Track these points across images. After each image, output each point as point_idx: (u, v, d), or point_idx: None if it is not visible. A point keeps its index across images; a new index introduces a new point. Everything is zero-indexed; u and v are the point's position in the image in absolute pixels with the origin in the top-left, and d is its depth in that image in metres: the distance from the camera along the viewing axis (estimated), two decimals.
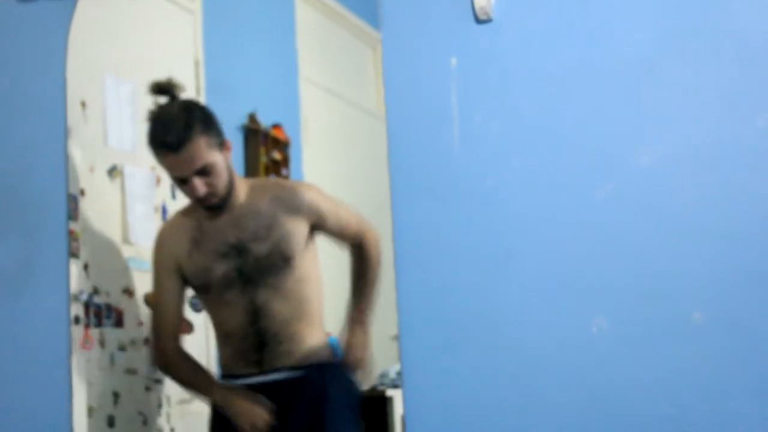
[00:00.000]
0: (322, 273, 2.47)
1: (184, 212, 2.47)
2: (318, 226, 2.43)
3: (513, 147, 1.86)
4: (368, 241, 2.47)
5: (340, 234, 2.48)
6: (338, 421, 2.38)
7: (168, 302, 2.45)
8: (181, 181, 2.33)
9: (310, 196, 2.44)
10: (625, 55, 1.81)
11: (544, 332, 1.80)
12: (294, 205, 2.41)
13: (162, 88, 2.37)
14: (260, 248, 2.36)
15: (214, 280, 2.38)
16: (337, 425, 2.37)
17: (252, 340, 2.37)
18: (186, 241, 2.41)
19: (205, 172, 2.30)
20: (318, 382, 2.37)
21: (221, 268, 2.37)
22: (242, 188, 2.42)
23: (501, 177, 1.86)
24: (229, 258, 2.37)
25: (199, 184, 2.30)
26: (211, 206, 2.37)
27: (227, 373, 2.44)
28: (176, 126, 2.27)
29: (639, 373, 1.74)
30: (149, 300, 2.58)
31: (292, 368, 2.37)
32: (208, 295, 2.42)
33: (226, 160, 2.36)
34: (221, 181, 2.34)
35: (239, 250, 2.37)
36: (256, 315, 2.36)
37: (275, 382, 2.36)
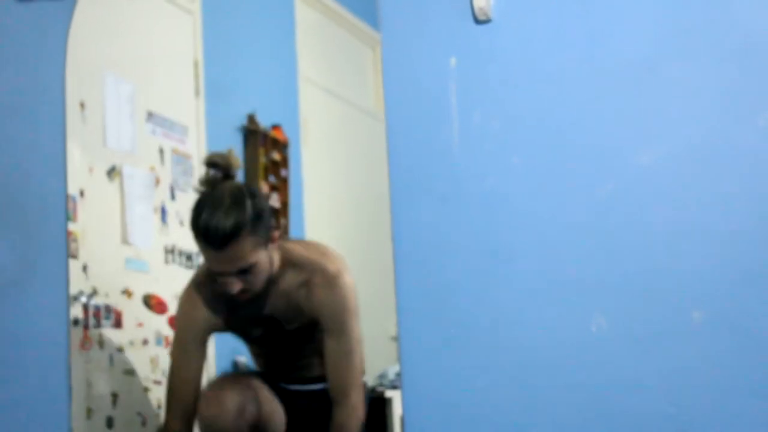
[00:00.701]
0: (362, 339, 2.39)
1: (207, 281, 2.36)
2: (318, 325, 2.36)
3: (513, 147, 1.86)
4: (342, 409, 2.32)
5: (326, 357, 2.35)
6: None
7: (187, 377, 2.38)
8: (218, 273, 2.26)
9: (318, 297, 2.34)
10: (624, 54, 1.81)
11: (543, 332, 1.80)
12: (313, 305, 2.34)
13: (216, 163, 2.27)
14: (292, 326, 2.39)
15: (253, 338, 2.46)
16: None
17: (273, 366, 2.47)
18: (222, 311, 2.37)
19: (244, 272, 2.23)
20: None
21: (257, 332, 2.43)
22: (277, 261, 2.33)
23: (501, 177, 1.86)
24: (265, 325, 2.40)
25: (235, 283, 2.23)
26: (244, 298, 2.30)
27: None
28: (223, 225, 2.16)
29: (639, 372, 1.73)
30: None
31: (320, 378, 2.41)
32: (249, 344, 2.52)
33: (270, 254, 2.27)
34: (259, 280, 2.26)
35: (272, 322, 2.39)
36: (275, 358, 2.46)
37: (312, 392, 2.40)
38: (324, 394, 2.38)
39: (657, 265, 1.74)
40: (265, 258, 2.26)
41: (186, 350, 2.38)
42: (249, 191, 2.27)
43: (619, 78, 1.81)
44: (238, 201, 2.21)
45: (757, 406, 1.66)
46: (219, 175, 2.27)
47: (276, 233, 2.29)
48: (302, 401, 2.45)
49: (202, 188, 2.27)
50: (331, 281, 2.33)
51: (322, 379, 2.41)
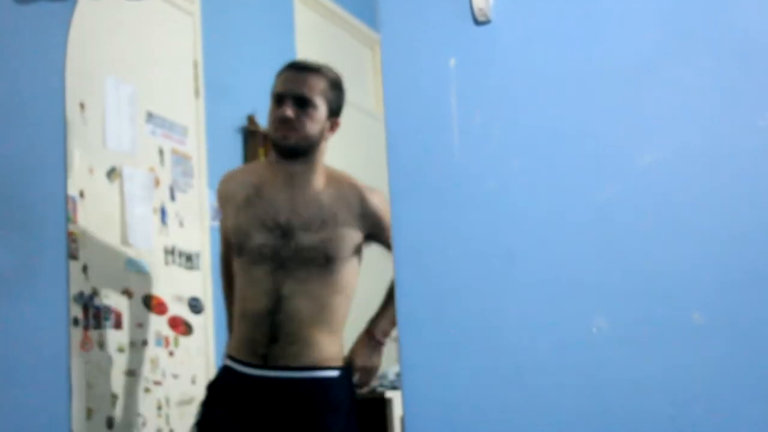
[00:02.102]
0: (357, 285, 2.41)
1: (253, 167, 2.52)
2: (374, 236, 2.34)
3: (513, 148, 1.86)
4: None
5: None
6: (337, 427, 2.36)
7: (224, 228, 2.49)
8: (279, 100, 2.37)
9: (375, 203, 2.35)
10: (625, 55, 1.81)
11: (543, 333, 1.80)
12: (358, 210, 2.35)
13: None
14: (306, 239, 2.32)
15: (248, 246, 2.36)
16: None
17: (265, 330, 2.32)
18: (242, 194, 2.41)
19: (303, 104, 2.35)
20: (322, 389, 2.35)
21: (259, 239, 2.34)
22: (321, 171, 2.39)
23: (501, 178, 1.86)
24: (272, 234, 2.34)
25: (290, 109, 2.34)
26: (284, 143, 2.38)
27: (231, 355, 2.41)
28: (311, 62, 2.43)
29: (639, 373, 1.73)
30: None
31: (297, 369, 2.35)
32: (241, 259, 2.39)
33: (324, 129, 2.37)
34: (310, 126, 2.35)
35: (285, 231, 2.33)
36: (276, 305, 2.32)
37: (278, 380, 2.34)
38: (295, 384, 2.33)
39: (657, 267, 1.75)
40: (322, 118, 2.37)
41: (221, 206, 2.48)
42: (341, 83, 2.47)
43: (619, 79, 1.81)
44: (330, 69, 2.43)
45: (756, 408, 1.66)
46: None
47: (337, 123, 2.39)
48: (277, 397, 2.36)
49: None
50: (371, 189, 2.36)
51: (317, 368, 2.34)
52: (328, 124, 2.38)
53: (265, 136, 3.12)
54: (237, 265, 2.43)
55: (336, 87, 2.41)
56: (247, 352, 2.36)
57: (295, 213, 2.35)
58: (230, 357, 2.43)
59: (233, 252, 2.43)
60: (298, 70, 2.42)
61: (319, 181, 2.39)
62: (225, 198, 2.48)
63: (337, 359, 2.38)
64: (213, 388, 2.42)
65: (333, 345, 2.38)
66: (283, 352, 2.33)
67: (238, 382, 2.37)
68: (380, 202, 2.34)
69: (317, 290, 2.34)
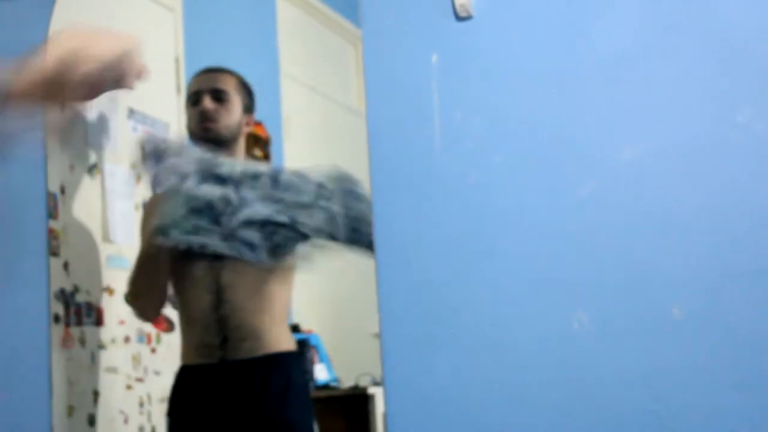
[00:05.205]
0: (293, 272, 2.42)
1: None
2: None
3: (494, 143, 1.86)
4: None
5: None
6: (299, 411, 2.35)
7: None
8: (195, 98, 2.47)
9: None
10: (605, 51, 1.81)
11: (525, 328, 1.80)
12: None
13: None
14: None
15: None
16: (298, 415, 2.35)
17: (214, 330, 2.32)
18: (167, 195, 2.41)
19: (219, 97, 2.46)
20: (279, 369, 2.33)
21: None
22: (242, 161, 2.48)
23: (482, 174, 1.86)
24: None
25: (209, 102, 2.45)
26: (207, 135, 2.43)
27: (187, 363, 2.40)
28: (222, 68, 2.54)
29: (620, 368, 1.74)
30: None
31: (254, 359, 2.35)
32: (178, 263, 2.39)
33: (242, 123, 2.49)
34: (228, 118, 2.46)
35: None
36: (219, 298, 2.32)
37: (236, 361, 2.32)
38: (252, 364, 2.33)
39: (638, 262, 1.75)
40: (238, 107, 2.49)
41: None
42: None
43: (600, 75, 1.81)
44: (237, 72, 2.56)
45: (737, 401, 1.67)
46: None
47: (252, 121, 2.53)
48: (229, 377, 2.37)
49: None
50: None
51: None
52: (244, 119, 2.50)
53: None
54: (175, 272, 2.42)
55: (246, 86, 2.54)
56: (201, 357, 2.36)
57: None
58: (185, 367, 2.41)
59: (174, 263, 2.42)
60: (210, 71, 2.54)
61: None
62: (153, 205, 2.50)
63: (288, 344, 2.38)
64: (176, 392, 2.41)
65: (281, 335, 2.37)
66: (237, 349, 2.32)
67: (198, 374, 2.36)
68: None
69: (251, 277, 2.34)
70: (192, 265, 2.35)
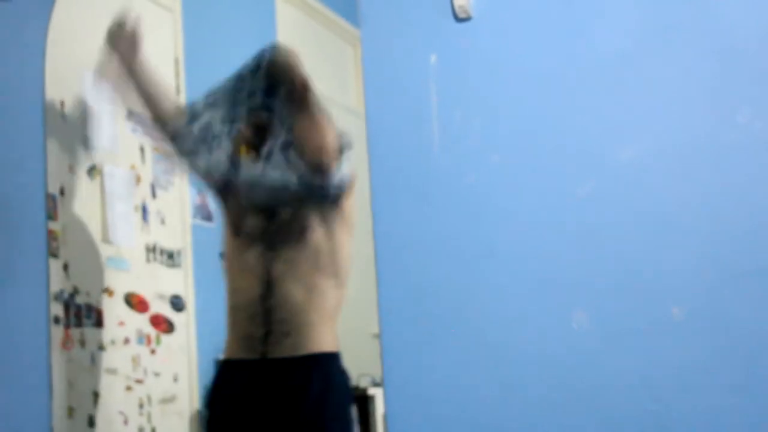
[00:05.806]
0: (349, 268, 2.37)
1: None
2: None
3: (493, 144, 1.86)
4: None
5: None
6: (336, 417, 2.33)
7: None
8: None
9: None
10: (605, 51, 1.82)
11: (524, 329, 1.80)
12: None
13: None
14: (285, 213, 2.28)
15: (244, 227, 2.31)
16: (335, 421, 2.32)
17: (259, 321, 2.27)
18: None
19: None
20: (320, 371, 2.30)
21: (252, 221, 2.29)
22: None
23: (481, 174, 1.86)
24: (261, 214, 2.29)
25: None
26: None
27: (230, 357, 2.37)
28: None
29: (619, 368, 1.74)
30: None
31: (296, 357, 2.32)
32: (236, 241, 2.34)
33: None
34: None
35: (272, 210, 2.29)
36: (268, 288, 2.28)
37: (276, 360, 2.28)
38: (295, 363, 2.26)
39: (637, 262, 1.75)
40: None
41: None
42: None
43: (599, 75, 1.81)
44: None
45: (735, 401, 1.67)
46: None
47: None
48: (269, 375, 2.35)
49: None
50: None
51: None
52: None
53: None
54: (231, 250, 2.33)
55: None
56: (243, 351, 2.32)
57: None
58: (227, 361, 2.38)
59: (230, 239, 2.35)
60: None
61: None
62: None
63: (332, 345, 2.33)
64: (217, 385, 2.38)
65: (327, 336, 2.32)
66: (280, 345, 2.23)
67: (239, 369, 2.34)
68: None
69: (302, 270, 2.30)
70: (244, 253, 2.32)
